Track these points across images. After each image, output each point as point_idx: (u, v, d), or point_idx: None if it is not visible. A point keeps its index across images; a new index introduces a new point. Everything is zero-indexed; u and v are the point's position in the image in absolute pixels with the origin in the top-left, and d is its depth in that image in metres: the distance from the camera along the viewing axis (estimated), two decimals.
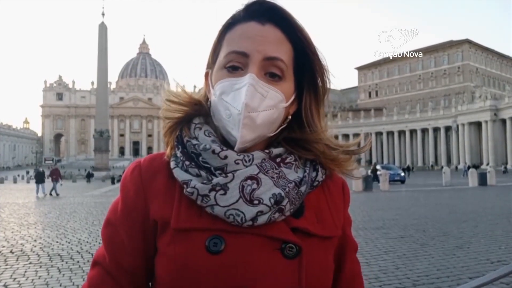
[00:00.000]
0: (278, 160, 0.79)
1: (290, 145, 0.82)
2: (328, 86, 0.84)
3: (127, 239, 0.80)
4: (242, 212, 0.72)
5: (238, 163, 0.75)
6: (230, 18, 0.81)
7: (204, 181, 0.74)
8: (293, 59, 0.80)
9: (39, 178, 23.60)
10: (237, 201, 0.72)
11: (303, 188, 0.77)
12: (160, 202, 0.78)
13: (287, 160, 0.79)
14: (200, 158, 0.77)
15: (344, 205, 0.88)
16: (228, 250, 0.72)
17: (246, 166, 0.75)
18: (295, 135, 0.82)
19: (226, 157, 0.75)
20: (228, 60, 0.77)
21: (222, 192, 0.73)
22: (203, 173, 0.75)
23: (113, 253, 0.81)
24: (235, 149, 0.75)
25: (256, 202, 0.72)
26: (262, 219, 0.72)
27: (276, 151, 0.79)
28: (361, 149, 0.87)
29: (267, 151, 0.78)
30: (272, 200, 0.73)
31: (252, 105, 0.73)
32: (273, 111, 0.76)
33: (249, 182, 0.74)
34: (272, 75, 0.77)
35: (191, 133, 0.80)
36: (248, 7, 0.79)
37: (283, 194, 0.74)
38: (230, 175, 0.74)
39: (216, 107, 0.77)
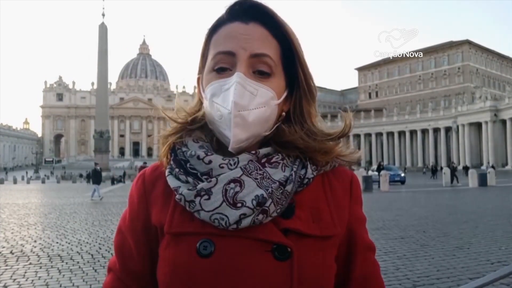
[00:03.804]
0: (264, 160, 0.77)
1: (277, 144, 0.80)
2: (312, 81, 0.82)
3: (134, 245, 0.84)
4: (226, 216, 0.72)
5: (222, 167, 0.75)
6: (215, 21, 0.81)
7: (190, 187, 0.75)
8: (281, 56, 0.79)
9: (96, 178, 19.78)
10: (220, 205, 0.72)
11: (289, 187, 0.75)
12: (158, 208, 0.81)
13: (273, 160, 0.78)
14: (188, 165, 0.78)
15: (351, 202, 0.84)
16: (218, 253, 0.72)
17: (231, 170, 0.75)
18: (284, 138, 0.80)
19: (210, 162, 0.76)
20: (216, 62, 0.77)
21: (206, 197, 0.73)
22: (190, 179, 0.76)
23: (122, 260, 0.85)
24: (230, 149, 0.75)
25: (239, 205, 0.72)
26: (245, 222, 0.72)
27: (263, 151, 0.78)
28: (343, 132, 0.83)
29: (253, 152, 0.77)
30: (255, 202, 0.72)
31: (241, 103, 0.73)
32: (265, 108, 0.75)
33: (232, 185, 0.73)
34: (260, 73, 0.76)
35: (182, 141, 0.82)
36: (230, 9, 0.79)
37: (265, 195, 0.72)
38: (213, 179, 0.74)
39: (209, 110, 0.78)
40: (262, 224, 0.73)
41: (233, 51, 0.75)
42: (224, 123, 0.74)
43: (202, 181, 0.75)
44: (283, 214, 0.75)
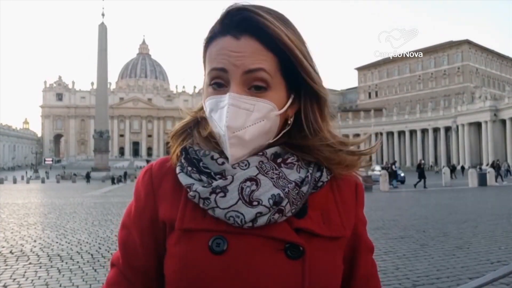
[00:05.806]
0: (279, 160, 0.78)
1: (291, 148, 0.81)
2: (321, 87, 0.79)
3: (139, 240, 0.82)
4: (242, 214, 0.72)
5: (235, 168, 0.76)
6: (210, 31, 0.78)
7: (205, 185, 0.75)
8: (280, 65, 0.76)
9: None
10: (236, 202, 0.73)
11: (304, 188, 0.76)
12: (168, 204, 0.80)
13: (289, 161, 0.79)
14: (201, 164, 0.78)
15: (356, 205, 0.86)
16: (231, 250, 0.73)
17: (244, 170, 0.76)
18: (296, 142, 0.81)
19: (223, 163, 0.76)
20: (211, 78, 0.76)
21: (222, 194, 0.73)
22: (204, 177, 0.77)
23: (126, 255, 0.84)
24: (229, 164, 0.77)
25: (255, 203, 0.73)
26: (261, 220, 0.73)
27: (270, 150, 0.79)
28: (370, 150, 0.84)
29: (260, 153, 0.78)
30: (271, 201, 0.73)
31: (235, 125, 0.73)
32: (264, 122, 0.75)
33: (248, 183, 0.74)
34: (257, 88, 0.74)
35: (193, 139, 0.82)
36: (221, 20, 0.76)
37: (282, 194, 0.73)
38: (229, 177, 0.75)
39: (210, 123, 0.79)
40: (276, 223, 0.74)
41: (225, 67, 0.74)
42: (223, 141, 0.75)
43: (216, 180, 0.75)
44: (296, 214, 0.76)
